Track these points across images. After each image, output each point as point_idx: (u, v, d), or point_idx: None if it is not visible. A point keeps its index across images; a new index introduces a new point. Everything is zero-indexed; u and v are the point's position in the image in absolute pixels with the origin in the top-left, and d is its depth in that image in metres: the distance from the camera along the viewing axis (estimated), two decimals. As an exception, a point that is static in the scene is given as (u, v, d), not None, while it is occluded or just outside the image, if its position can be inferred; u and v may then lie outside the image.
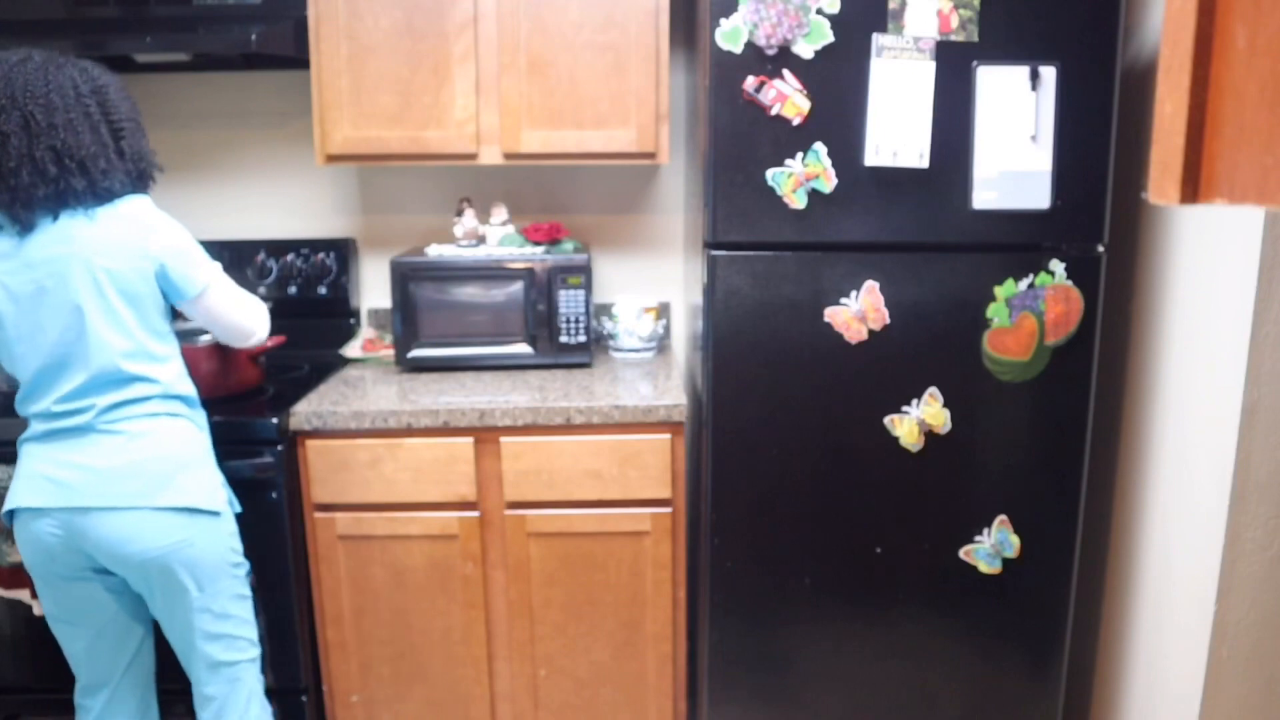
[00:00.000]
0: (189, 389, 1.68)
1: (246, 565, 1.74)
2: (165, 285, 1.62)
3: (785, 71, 1.75)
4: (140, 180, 1.63)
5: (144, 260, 1.57)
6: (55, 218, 1.53)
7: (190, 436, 1.65)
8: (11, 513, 1.59)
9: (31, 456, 1.59)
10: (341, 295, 2.46)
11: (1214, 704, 1.66)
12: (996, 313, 1.83)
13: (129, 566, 1.59)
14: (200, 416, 1.71)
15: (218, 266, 1.70)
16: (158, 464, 1.58)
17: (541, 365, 2.27)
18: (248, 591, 1.74)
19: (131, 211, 1.58)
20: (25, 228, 1.52)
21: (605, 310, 2.55)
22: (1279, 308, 1.52)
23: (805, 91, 1.75)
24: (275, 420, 1.91)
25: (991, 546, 1.93)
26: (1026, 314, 1.83)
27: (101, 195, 1.56)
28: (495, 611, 2.08)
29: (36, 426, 1.60)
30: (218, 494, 1.67)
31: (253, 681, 1.75)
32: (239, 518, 1.75)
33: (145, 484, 1.56)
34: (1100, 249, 1.82)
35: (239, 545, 1.71)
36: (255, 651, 1.76)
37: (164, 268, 1.60)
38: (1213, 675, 1.65)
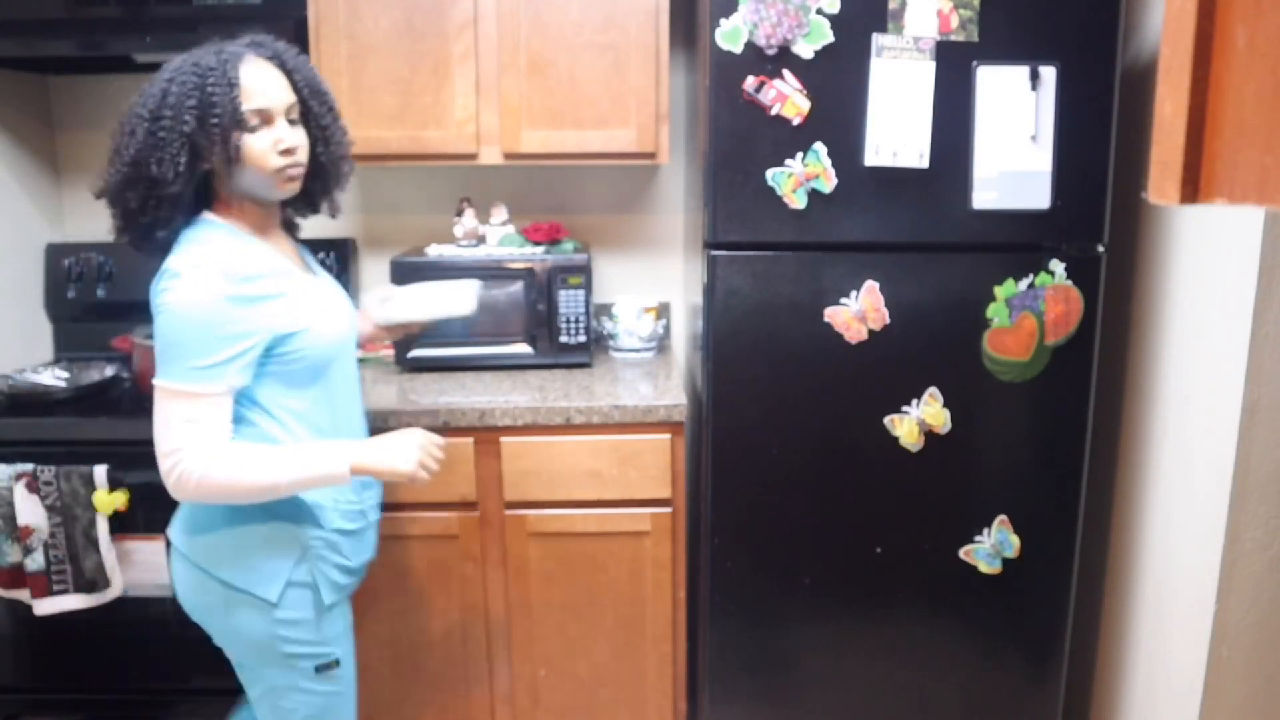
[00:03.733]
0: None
1: (317, 659, 1.49)
2: None
3: (785, 71, 1.75)
4: None
5: None
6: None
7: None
8: None
9: None
10: (341, 295, 2.45)
11: (1214, 704, 1.66)
12: (996, 313, 1.83)
13: None
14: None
15: (178, 383, 1.32)
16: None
17: (541, 365, 2.26)
18: (312, 685, 1.49)
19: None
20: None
21: (605, 310, 2.55)
22: (1279, 308, 1.52)
23: (805, 91, 1.75)
24: (275, 420, 1.91)
25: (991, 546, 1.93)
26: (1026, 314, 1.83)
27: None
28: (495, 611, 2.08)
29: None
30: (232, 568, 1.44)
31: None
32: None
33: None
34: (1100, 249, 1.82)
35: (294, 636, 1.46)
36: None
37: None
38: (1213, 675, 1.65)
